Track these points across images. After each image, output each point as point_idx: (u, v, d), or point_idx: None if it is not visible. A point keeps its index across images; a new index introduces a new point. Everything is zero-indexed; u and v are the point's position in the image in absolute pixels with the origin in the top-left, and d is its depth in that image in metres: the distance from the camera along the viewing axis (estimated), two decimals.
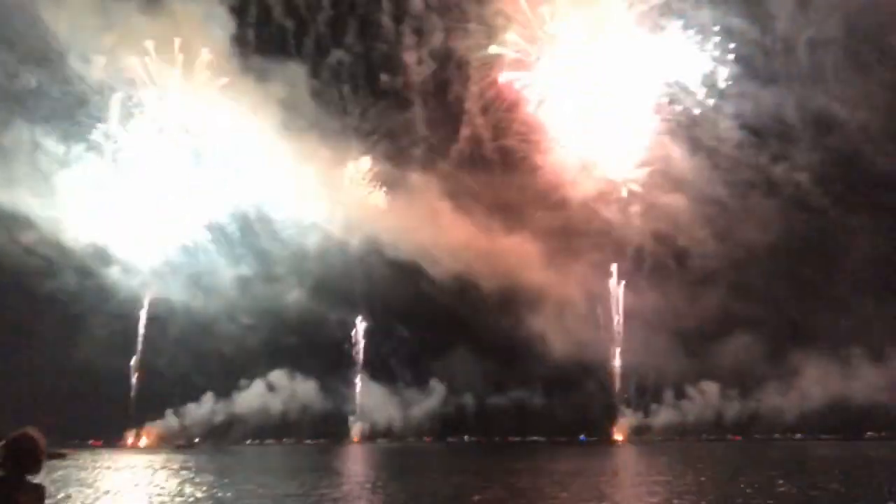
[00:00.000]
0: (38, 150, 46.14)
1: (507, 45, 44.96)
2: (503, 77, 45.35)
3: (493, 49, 44.13)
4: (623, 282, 50.87)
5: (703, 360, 50.29)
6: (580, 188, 47.45)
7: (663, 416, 52.26)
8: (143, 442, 49.71)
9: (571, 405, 51.85)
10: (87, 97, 46.13)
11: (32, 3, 42.89)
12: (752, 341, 48.10)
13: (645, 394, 52.54)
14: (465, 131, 48.61)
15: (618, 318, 51.26)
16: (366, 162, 49.53)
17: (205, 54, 45.42)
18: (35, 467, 3.23)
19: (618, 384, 52.59)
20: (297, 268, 49.73)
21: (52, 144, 46.26)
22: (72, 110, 46.22)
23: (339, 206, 48.53)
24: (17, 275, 45.23)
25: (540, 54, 45.39)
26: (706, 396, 51.41)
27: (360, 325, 53.09)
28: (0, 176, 45.17)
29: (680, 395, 51.57)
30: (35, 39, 43.62)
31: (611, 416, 53.06)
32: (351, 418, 53.92)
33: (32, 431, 3.29)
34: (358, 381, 53.86)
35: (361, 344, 53.59)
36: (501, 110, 46.88)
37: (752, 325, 48.04)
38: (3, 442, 3.21)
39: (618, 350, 52.15)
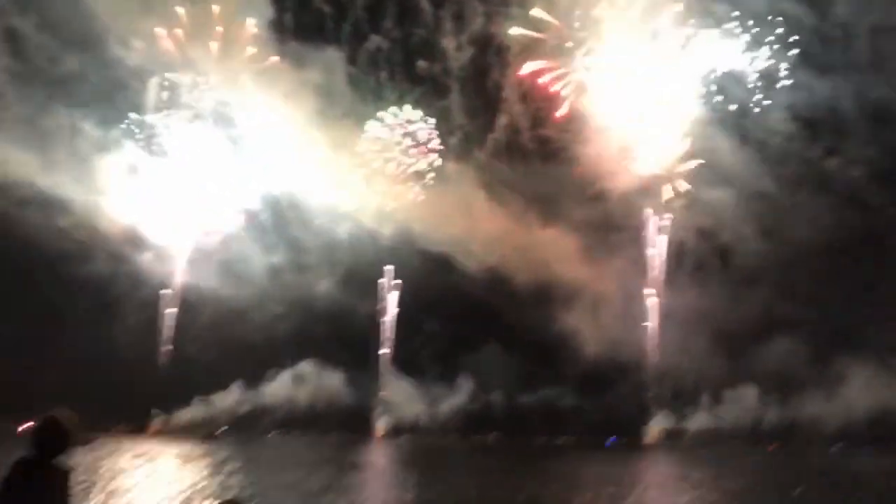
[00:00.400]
0: (76, 134, 46.68)
1: (549, 29, 44.20)
2: (535, 65, 44.50)
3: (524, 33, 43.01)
4: (662, 279, 49.67)
5: (744, 363, 49.30)
6: (620, 180, 46.49)
7: (698, 420, 51.17)
8: (170, 429, 50.06)
9: (603, 406, 51.02)
10: (126, 82, 46.56)
11: None
12: (795, 345, 46.87)
13: (680, 397, 51.43)
14: (502, 119, 48.00)
15: (655, 317, 50.04)
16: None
17: (242, 39, 45.33)
18: (64, 449, 3.39)
19: (652, 386, 51.60)
20: (328, 257, 49.56)
21: (90, 128, 46.80)
22: (111, 95, 46.71)
23: (371, 195, 48.03)
24: (51, 258, 45.82)
25: (582, 41, 44.54)
26: (744, 401, 50.12)
27: (390, 318, 52.68)
28: (40, 159, 45.71)
29: (717, 399, 50.29)
30: (77, 24, 44.09)
31: (643, 419, 52.06)
32: (376, 412, 53.70)
33: (63, 413, 3.45)
34: (385, 374, 53.56)
35: (390, 337, 53.16)
36: (540, 99, 46.01)
37: (797, 328, 46.81)
38: (34, 423, 3.39)
39: (654, 350, 51.00)
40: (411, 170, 49.31)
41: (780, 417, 49.47)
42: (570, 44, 44.55)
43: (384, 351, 53.38)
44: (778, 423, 49.65)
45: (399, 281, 51.86)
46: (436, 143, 49.52)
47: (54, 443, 3.39)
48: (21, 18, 44.75)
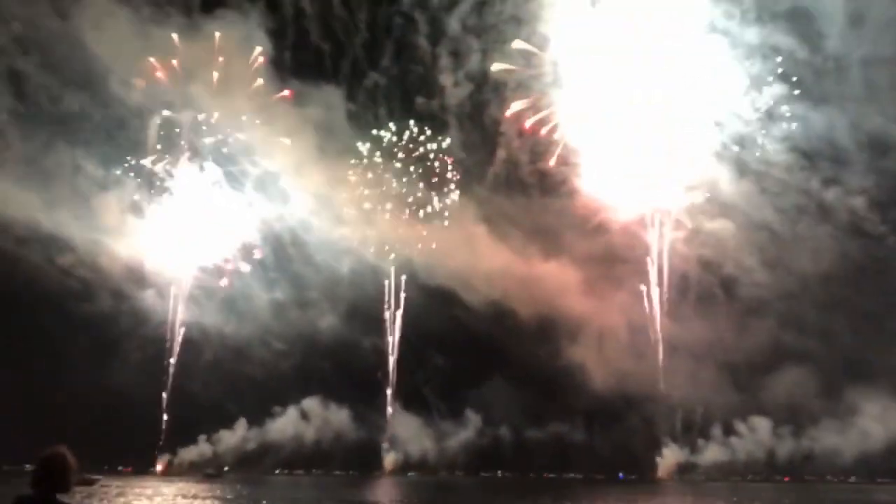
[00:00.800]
0: (78, 172, 47.10)
1: (545, 64, 44.72)
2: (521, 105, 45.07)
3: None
4: (666, 311, 49.41)
5: (753, 395, 48.96)
6: (620, 213, 46.66)
7: (711, 453, 50.45)
8: (175, 468, 49.78)
9: (612, 440, 50.57)
10: (127, 121, 47.03)
11: (76, 29, 44.13)
12: (805, 376, 46.62)
13: (691, 429, 50.83)
14: (500, 154, 48.49)
15: (661, 349, 49.66)
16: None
17: (243, 77, 45.91)
18: (65, 486, 3.39)
19: (662, 419, 51.02)
20: (330, 293, 49.66)
21: (92, 167, 47.23)
22: (112, 133, 47.22)
23: (372, 230, 48.23)
24: (54, 297, 46.05)
25: (577, 76, 44.96)
26: (757, 433, 49.51)
27: (393, 353, 52.50)
28: (42, 197, 46.10)
29: (728, 431, 49.73)
30: (78, 64, 44.88)
31: (654, 453, 51.38)
32: (383, 448, 53.24)
33: (63, 450, 3.41)
34: (391, 410, 53.20)
35: (394, 372, 52.91)
36: (538, 133, 46.36)
37: (805, 359, 46.52)
38: (36, 461, 3.38)
39: (662, 383, 50.51)
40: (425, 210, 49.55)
41: (795, 449, 48.88)
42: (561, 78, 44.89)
43: (389, 386, 53.19)
44: (792, 454, 49.00)
45: (401, 315, 51.70)
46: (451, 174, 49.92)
47: (55, 481, 3.40)
48: (24, 59, 45.52)
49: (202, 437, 50.81)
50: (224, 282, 49.46)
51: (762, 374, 48.04)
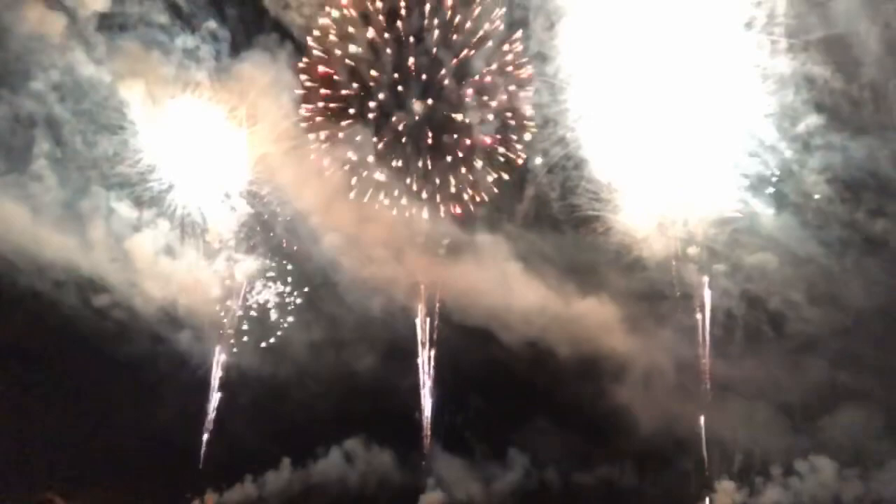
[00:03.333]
0: (112, 214, 49.13)
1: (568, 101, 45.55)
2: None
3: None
4: (713, 349, 49.14)
5: (812, 436, 48.17)
6: (656, 247, 47.03)
7: (770, 495, 49.65)
8: None
9: (663, 484, 50.20)
10: (159, 163, 49.00)
11: (109, 77, 46.71)
12: (865, 416, 46.11)
13: (748, 471, 50.19)
14: (529, 190, 49.32)
15: (710, 388, 49.36)
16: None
17: (270, 118, 47.78)
18: None
19: (715, 462, 50.46)
20: (363, 333, 50.87)
21: (125, 209, 49.28)
22: (144, 176, 49.15)
23: (403, 270, 49.31)
24: (91, 339, 48.05)
25: (604, 109, 45.60)
26: (821, 474, 48.60)
27: (430, 394, 53.14)
28: (77, 240, 48.35)
29: (789, 472, 48.99)
30: (111, 111, 47.41)
31: (708, 497, 50.76)
32: (426, 492, 53.70)
33: (54, 496, 3.81)
34: (432, 452, 53.70)
35: (433, 414, 53.49)
36: (569, 168, 47.01)
37: (865, 398, 45.93)
38: None
39: (713, 424, 50.05)
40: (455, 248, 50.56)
41: (864, 493, 48.02)
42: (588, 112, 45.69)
43: (428, 428, 53.70)
44: (861, 499, 48.26)
45: (436, 356, 52.38)
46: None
47: None
48: (61, 105, 48.02)
49: (248, 478, 51.55)
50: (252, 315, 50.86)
51: (820, 415, 47.37)
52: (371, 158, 49.69)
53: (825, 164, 45.11)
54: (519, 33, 48.05)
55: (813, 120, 44.34)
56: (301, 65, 48.99)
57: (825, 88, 43.54)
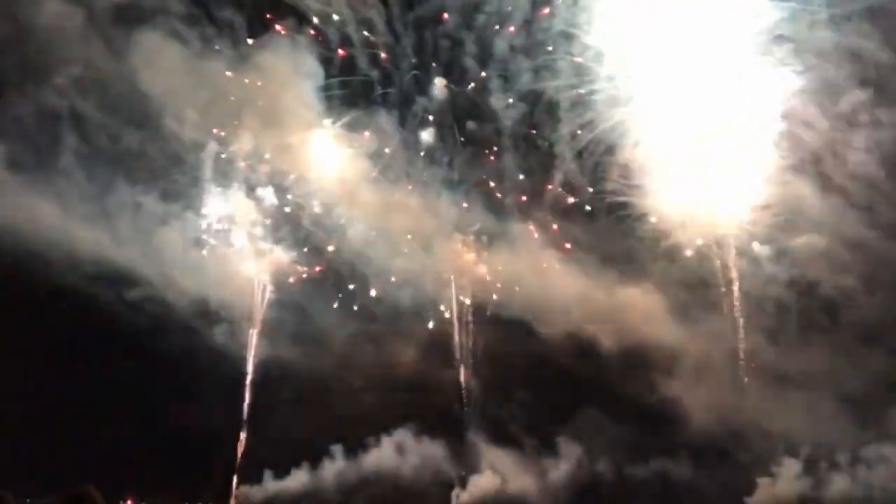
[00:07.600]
0: (139, 209, 51.04)
1: (600, 81, 45.50)
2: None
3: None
4: (764, 338, 48.97)
5: (879, 427, 47.63)
6: (694, 233, 47.11)
7: (837, 485, 49.33)
8: None
9: (719, 477, 50.32)
10: (183, 156, 50.80)
11: (130, 70, 47.89)
12: None
13: (814, 463, 49.97)
14: (558, 177, 49.45)
15: (765, 379, 49.26)
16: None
17: (292, 107, 48.88)
18: None
19: (773, 454, 50.39)
20: (396, 326, 52.05)
21: (151, 203, 51.17)
22: (169, 169, 51.05)
23: (433, 260, 50.21)
24: (126, 334, 50.06)
25: (636, 90, 45.46)
26: (889, 464, 48.23)
27: (471, 387, 54.11)
28: (107, 235, 50.40)
29: (856, 462, 48.69)
30: (133, 104, 49.03)
31: (767, 490, 50.72)
32: (466, 486, 54.80)
33: (90, 489, 3.86)
34: (478, 445, 54.73)
35: (476, 407, 54.49)
36: (598, 153, 47.18)
37: None
38: (61, 499, 3.78)
39: (770, 415, 49.93)
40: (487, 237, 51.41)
41: None
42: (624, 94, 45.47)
43: (475, 421, 54.68)
44: None
45: (474, 348, 53.26)
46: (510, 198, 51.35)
47: None
48: (84, 100, 49.94)
49: (295, 471, 52.93)
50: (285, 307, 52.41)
51: (885, 405, 46.93)
52: (395, 146, 50.84)
53: (872, 142, 44.42)
54: (546, 11, 47.76)
55: (857, 96, 43.81)
56: (321, 51, 49.84)
57: (869, 62, 42.84)
